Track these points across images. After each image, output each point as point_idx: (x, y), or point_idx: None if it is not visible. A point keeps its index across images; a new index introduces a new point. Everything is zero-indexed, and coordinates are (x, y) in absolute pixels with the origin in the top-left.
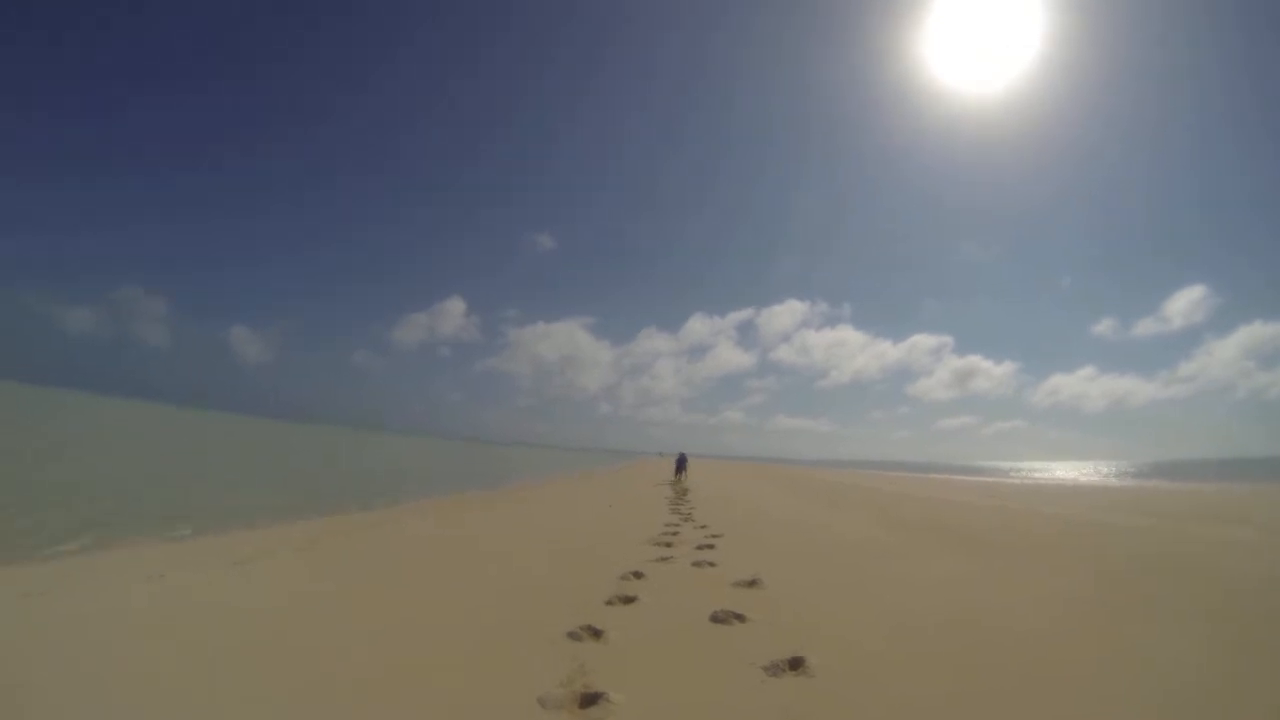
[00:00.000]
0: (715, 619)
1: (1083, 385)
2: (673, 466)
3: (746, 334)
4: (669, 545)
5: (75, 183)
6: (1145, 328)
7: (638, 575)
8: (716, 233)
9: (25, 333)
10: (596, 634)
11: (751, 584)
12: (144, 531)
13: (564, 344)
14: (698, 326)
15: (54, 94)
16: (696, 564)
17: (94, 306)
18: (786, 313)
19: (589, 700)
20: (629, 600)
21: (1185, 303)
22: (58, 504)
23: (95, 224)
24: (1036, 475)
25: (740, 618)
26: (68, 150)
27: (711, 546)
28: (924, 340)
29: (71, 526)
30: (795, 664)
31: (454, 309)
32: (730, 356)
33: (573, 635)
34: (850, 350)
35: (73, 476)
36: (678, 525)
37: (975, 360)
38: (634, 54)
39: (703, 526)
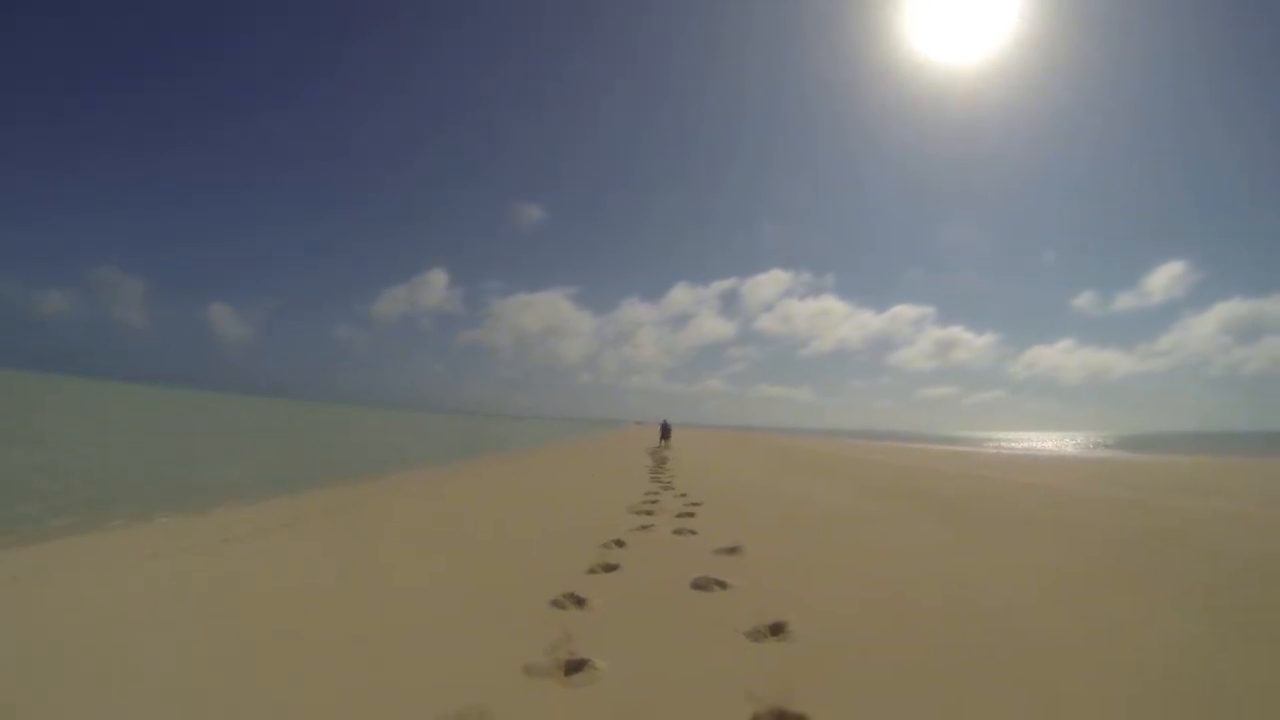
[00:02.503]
0: (697, 586)
1: (1062, 357)
2: (656, 433)
3: (729, 303)
4: (650, 514)
5: (49, 165)
6: (1125, 302)
7: (619, 544)
8: (701, 203)
9: (1, 318)
10: (580, 602)
11: (732, 551)
12: (131, 512)
13: (546, 314)
14: (680, 296)
15: (26, 79)
16: (677, 532)
17: (70, 289)
18: (770, 282)
19: (574, 667)
20: (611, 568)
21: (1165, 278)
22: (42, 488)
23: (70, 206)
24: (1016, 446)
25: (721, 584)
26: (40, 133)
27: (692, 515)
28: (906, 311)
29: (58, 509)
30: (777, 629)
31: (436, 280)
32: (712, 326)
33: (556, 604)
34: (833, 320)
35: (55, 460)
36: (658, 494)
37: (956, 331)
38: (616, 26)
39: (683, 495)
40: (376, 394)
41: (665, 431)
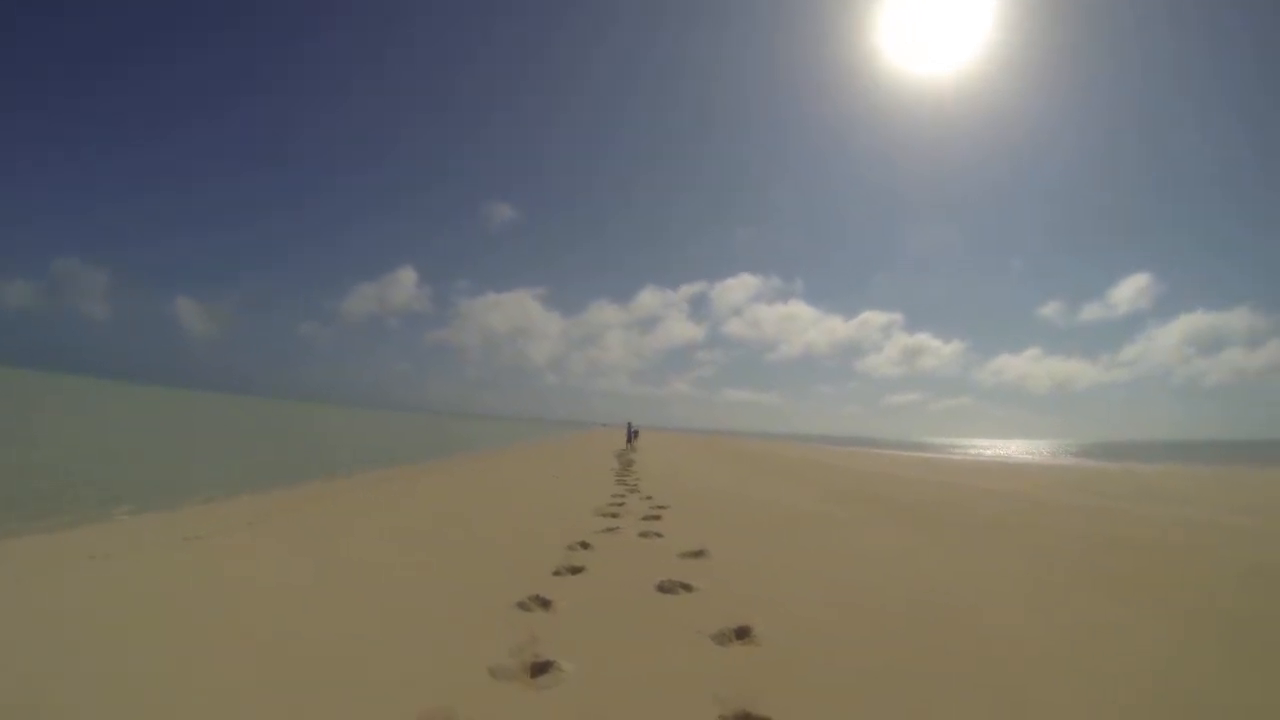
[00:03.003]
0: (662, 589)
1: (1028, 365)
2: (622, 436)
3: (698, 307)
4: (615, 516)
5: (8, 155)
6: (1091, 312)
7: (585, 546)
8: (671, 205)
9: None
10: (545, 604)
11: (698, 555)
12: (85, 510)
13: (515, 315)
14: (649, 299)
15: None
16: (643, 535)
17: (31, 280)
18: (739, 286)
19: (539, 669)
20: (576, 571)
21: (1130, 289)
22: None
23: (31, 196)
24: (982, 452)
25: (687, 588)
26: (1, 123)
27: (658, 518)
28: (874, 317)
29: (13, 508)
30: (742, 633)
31: (405, 279)
32: (680, 329)
33: (521, 606)
34: (801, 325)
35: (12, 457)
36: (624, 496)
37: (924, 338)
38: (588, 27)
39: (649, 498)
40: (340, 391)
41: (631, 434)
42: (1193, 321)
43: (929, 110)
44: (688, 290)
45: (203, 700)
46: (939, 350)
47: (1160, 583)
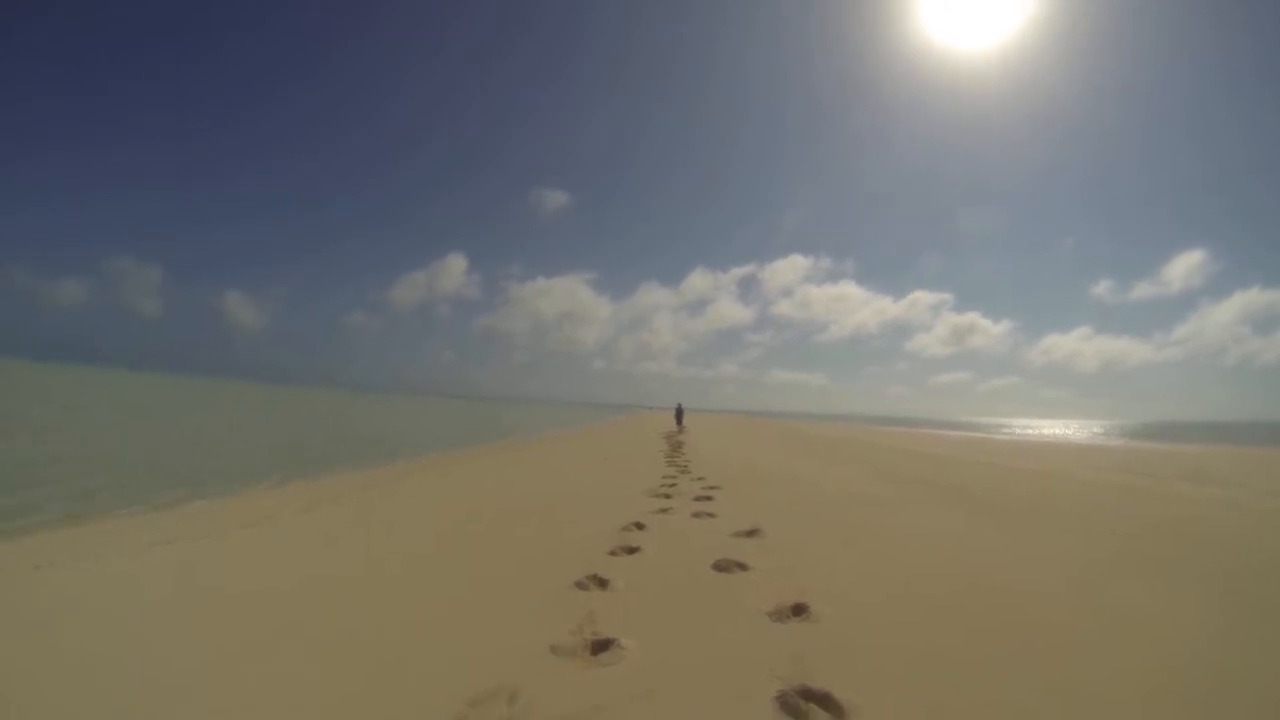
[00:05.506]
0: (718, 567)
1: (1077, 345)
2: (670, 419)
3: (748, 289)
4: (668, 497)
5: (61, 153)
6: (1142, 290)
7: (639, 526)
8: (721, 187)
9: (14, 308)
10: (602, 583)
11: (751, 534)
12: (145, 499)
13: (564, 300)
14: (698, 281)
15: (36, 68)
16: (696, 515)
17: (85, 278)
18: (789, 267)
19: (600, 647)
20: (632, 550)
21: (1184, 267)
22: (60, 475)
23: (83, 193)
24: (1030, 432)
25: (742, 566)
26: (52, 121)
27: (710, 498)
28: (924, 297)
29: (75, 497)
30: (798, 610)
31: (455, 266)
32: (730, 311)
33: (579, 585)
34: (851, 305)
35: (72, 448)
36: (675, 477)
37: (974, 317)
38: (635, 14)
39: (700, 479)
40: (388, 380)
41: (679, 415)
42: (1249, 298)
43: (980, 89)
44: (738, 272)
45: (268, 680)
46: (988, 329)
47: (1202, 567)
